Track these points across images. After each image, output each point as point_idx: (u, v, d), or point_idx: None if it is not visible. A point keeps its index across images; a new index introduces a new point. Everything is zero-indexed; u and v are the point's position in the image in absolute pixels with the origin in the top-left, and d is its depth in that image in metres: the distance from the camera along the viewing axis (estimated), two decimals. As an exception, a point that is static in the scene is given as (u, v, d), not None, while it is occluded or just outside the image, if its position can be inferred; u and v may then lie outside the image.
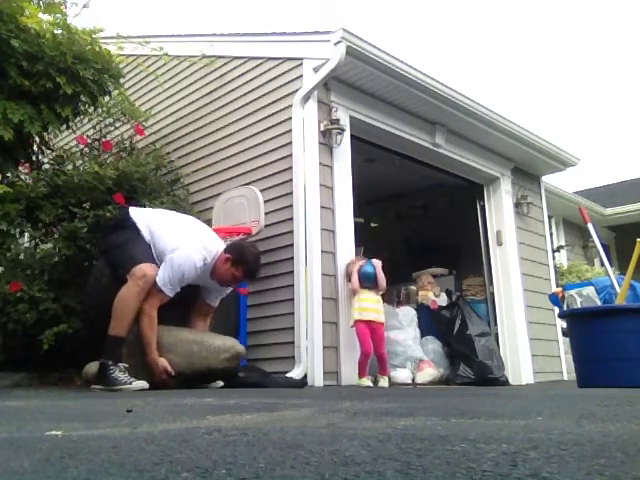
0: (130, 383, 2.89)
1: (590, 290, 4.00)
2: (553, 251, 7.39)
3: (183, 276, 3.12)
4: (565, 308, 4.06)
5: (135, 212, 3.39)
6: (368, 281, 4.11)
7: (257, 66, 4.80)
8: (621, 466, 0.82)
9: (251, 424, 1.39)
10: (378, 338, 4.07)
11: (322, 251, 4.15)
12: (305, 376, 3.85)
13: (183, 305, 3.38)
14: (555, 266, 7.30)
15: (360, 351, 4.01)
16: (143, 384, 2.94)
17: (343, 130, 4.40)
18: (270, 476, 0.76)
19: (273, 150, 4.51)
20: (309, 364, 3.89)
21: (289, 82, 4.52)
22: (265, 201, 4.24)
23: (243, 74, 4.92)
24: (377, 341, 4.06)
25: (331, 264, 4.22)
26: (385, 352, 4.14)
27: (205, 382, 3.26)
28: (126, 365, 2.98)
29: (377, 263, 4.19)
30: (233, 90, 4.98)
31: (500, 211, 6.13)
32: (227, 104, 5.00)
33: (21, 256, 4.28)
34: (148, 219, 3.33)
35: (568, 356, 5.57)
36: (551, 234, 7.82)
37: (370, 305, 4.08)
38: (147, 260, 3.11)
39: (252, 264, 3.36)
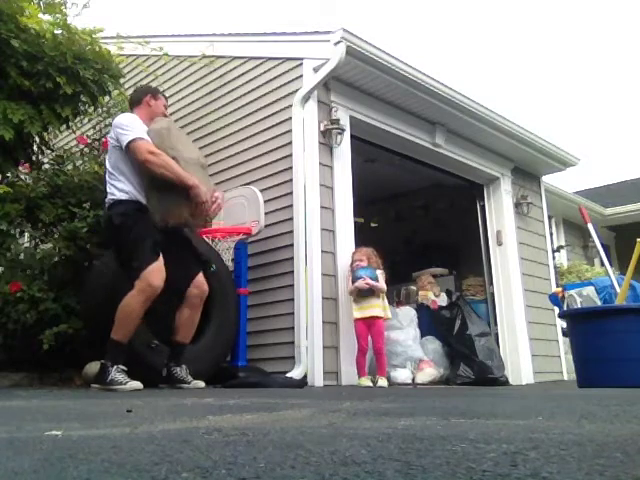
0: (125, 384, 2.95)
1: (590, 290, 4.00)
2: (553, 251, 7.39)
3: (132, 126, 3.23)
4: (565, 308, 4.06)
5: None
6: (366, 291, 4.10)
7: (257, 66, 4.80)
8: (621, 466, 0.82)
9: (251, 424, 1.38)
10: (376, 332, 4.08)
11: (322, 251, 4.15)
12: (305, 376, 3.85)
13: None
14: (555, 266, 7.29)
15: (357, 348, 4.03)
16: (137, 384, 2.99)
17: (343, 130, 4.40)
18: (270, 476, 0.75)
19: (273, 150, 4.51)
20: (309, 364, 3.89)
21: (289, 82, 4.52)
22: (265, 201, 4.24)
23: (243, 74, 4.92)
24: (375, 335, 4.07)
25: (331, 264, 4.22)
26: (383, 347, 4.13)
27: None
28: (124, 368, 3.03)
29: (378, 274, 4.16)
30: (233, 90, 4.98)
31: (500, 211, 6.13)
32: (227, 104, 5.00)
33: (21, 256, 4.28)
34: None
35: (568, 356, 5.57)
36: (551, 234, 7.82)
37: (370, 302, 4.08)
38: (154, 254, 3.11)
39: (154, 88, 3.76)
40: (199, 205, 3.18)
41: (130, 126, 3.21)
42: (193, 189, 3.14)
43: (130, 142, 3.14)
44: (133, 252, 3.11)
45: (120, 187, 3.21)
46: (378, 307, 4.09)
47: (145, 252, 3.07)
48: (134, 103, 3.55)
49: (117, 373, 2.97)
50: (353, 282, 4.09)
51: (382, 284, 4.14)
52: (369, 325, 4.06)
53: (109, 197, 3.27)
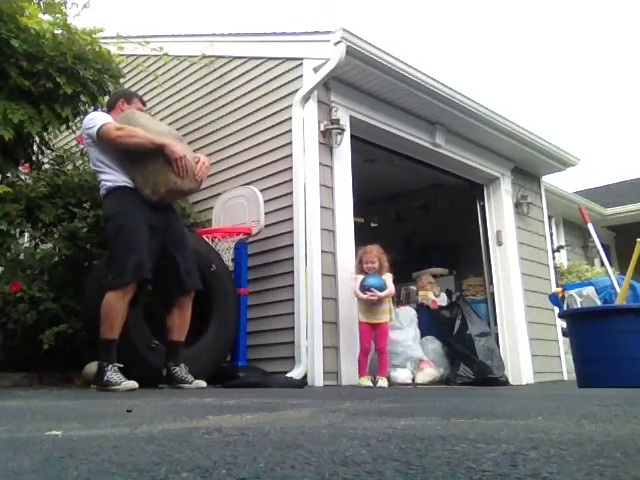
0: (120, 384, 2.97)
1: (590, 290, 4.00)
2: (553, 251, 7.39)
3: (97, 117, 3.34)
4: (565, 308, 4.06)
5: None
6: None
7: (257, 66, 4.80)
8: (621, 466, 0.82)
9: (251, 424, 1.38)
10: (381, 333, 4.09)
11: (322, 251, 4.15)
12: (305, 376, 3.85)
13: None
14: (555, 266, 7.29)
15: (359, 347, 4.04)
16: (132, 384, 3.01)
17: (343, 130, 4.40)
18: (270, 476, 0.75)
19: (273, 150, 4.51)
20: (309, 364, 3.89)
21: (289, 82, 4.52)
22: (265, 201, 4.24)
23: (243, 74, 4.91)
24: (379, 336, 4.08)
25: (331, 264, 4.22)
26: (386, 347, 4.14)
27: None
28: (120, 365, 3.04)
29: (387, 277, 4.15)
30: (233, 90, 4.98)
31: (500, 211, 6.13)
32: (227, 104, 5.00)
33: (21, 256, 4.28)
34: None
35: (568, 356, 5.57)
36: (551, 234, 7.82)
37: (378, 310, 4.08)
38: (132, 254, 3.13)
39: (128, 92, 3.87)
40: (178, 162, 3.17)
41: (94, 119, 3.33)
42: (165, 147, 3.16)
43: (98, 130, 3.23)
44: (114, 262, 3.17)
45: (106, 178, 3.28)
46: (384, 313, 4.10)
47: (126, 269, 3.07)
48: (109, 108, 3.63)
49: (113, 373, 2.98)
50: (361, 289, 4.07)
51: (390, 288, 4.12)
52: (373, 326, 4.07)
53: (101, 191, 3.34)
